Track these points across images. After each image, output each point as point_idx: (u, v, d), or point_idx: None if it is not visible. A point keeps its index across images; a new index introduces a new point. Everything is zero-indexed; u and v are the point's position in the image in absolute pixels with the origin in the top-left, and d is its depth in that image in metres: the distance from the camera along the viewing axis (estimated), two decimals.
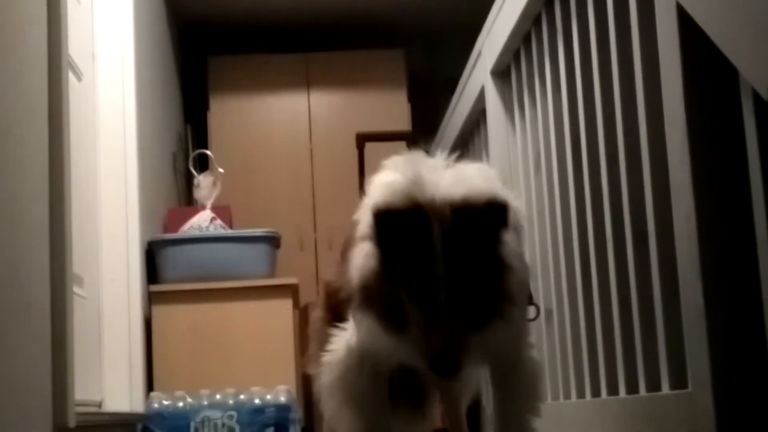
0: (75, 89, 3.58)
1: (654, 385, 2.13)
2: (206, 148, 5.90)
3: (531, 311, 1.97)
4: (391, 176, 1.76)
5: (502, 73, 3.54)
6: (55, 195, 2.73)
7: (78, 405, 3.42)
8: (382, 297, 1.66)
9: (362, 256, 1.71)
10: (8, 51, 2.43)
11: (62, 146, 2.76)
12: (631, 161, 2.26)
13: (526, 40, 3.20)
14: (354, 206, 2.07)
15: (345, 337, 1.93)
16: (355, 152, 5.42)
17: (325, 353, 1.97)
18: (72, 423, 2.71)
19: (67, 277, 2.75)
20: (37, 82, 2.68)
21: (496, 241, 1.65)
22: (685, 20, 1.83)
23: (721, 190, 1.81)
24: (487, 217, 1.63)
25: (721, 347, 1.77)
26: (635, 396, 2.24)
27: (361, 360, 1.90)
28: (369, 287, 1.68)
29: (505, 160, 3.58)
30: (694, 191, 1.82)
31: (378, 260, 1.66)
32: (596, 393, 2.58)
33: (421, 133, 6.08)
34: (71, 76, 3.50)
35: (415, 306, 1.61)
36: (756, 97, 1.61)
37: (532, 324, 2.04)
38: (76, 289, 3.55)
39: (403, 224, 1.62)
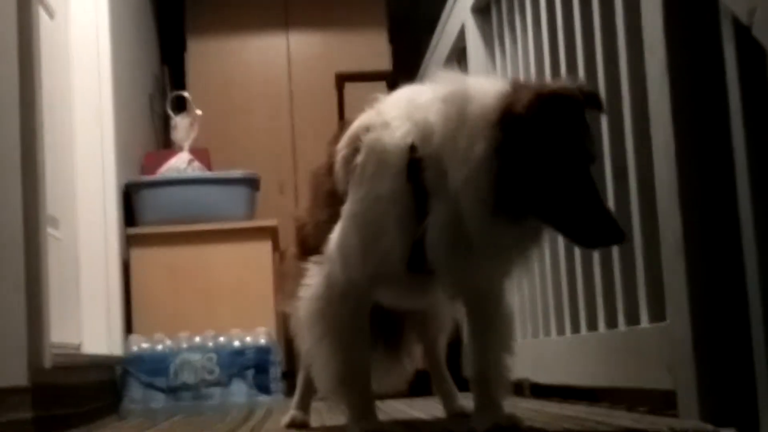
0: (47, 27, 3.51)
1: (633, 319, 2.14)
2: (184, 89, 5.81)
3: None
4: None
5: (482, 10, 3.50)
6: (26, 134, 2.68)
7: (56, 347, 3.40)
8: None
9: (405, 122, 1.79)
10: None
11: (33, 84, 2.71)
12: (611, 95, 2.24)
13: None
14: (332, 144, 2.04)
15: (324, 271, 1.90)
16: (335, 93, 5.37)
17: (301, 288, 1.95)
18: (48, 364, 2.69)
19: (40, 217, 2.71)
20: (5, 16, 2.62)
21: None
22: None
23: (700, 120, 1.79)
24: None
25: (699, 279, 1.77)
26: (614, 330, 2.25)
27: (342, 293, 1.87)
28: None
29: None
30: (672, 122, 1.81)
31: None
32: (576, 329, 2.59)
33: (401, 73, 6.02)
34: (42, 13, 3.42)
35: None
36: (736, 23, 1.59)
37: None
38: (51, 230, 3.51)
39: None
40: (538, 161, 1.62)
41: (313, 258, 1.94)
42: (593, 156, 1.71)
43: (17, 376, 2.57)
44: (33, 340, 2.64)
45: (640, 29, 1.96)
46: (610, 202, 2.27)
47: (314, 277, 1.92)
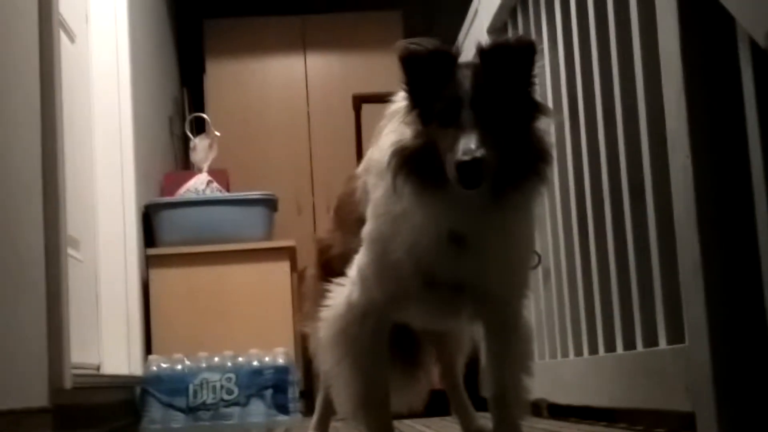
0: (68, 51, 3.54)
1: (651, 340, 2.13)
2: (203, 111, 5.86)
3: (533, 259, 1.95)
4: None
5: (498, 31, 3.51)
6: (47, 156, 2.71)
7: (76, 368, 3.42)
8: (417, 150, 1.63)
9: (392, 133, 1.71)
10: None
11: (54, 106, 2.74)
12: (628, 116, 2.24)
13: None
14: (352, 168, 2.07)
15: (344, 292, 1.91)
16: (352, 114, 5.39)
17: (322, 309, 1.96)
18: (68, 384, 2.71)
19: (61, 238, 2.74)
20: (27, 41, 2.65)
21: (525, 77, 1.62)
22: None
23: (717, 142, 1.79)
24: (515, 51, 1.61)
25: (718, 300, 1.76)
26: (632, 352, 2.24)
27: (363, 313, 1.88)
28: (404, 147, 1.65)
29: None
30: (690, 143, 1.81)
31: (410, 107, 1.66)
32: (594, 350, 2.58)
33: None
34: (64, 37, 3.46)
35: (446, 131, 1.57)
36: (753, 45, 1.59)
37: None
38: (72, 251, 3.54)
39: (430, 62, 1.62)
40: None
41: (335, 279, 1.95)
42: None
43: (38, 396, 2.59)
44: (54, 361, 2.66)
45: (656, 51, 1.96)
46: (627, 221, 2.27)
47: (335, 297, 1.93)
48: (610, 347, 2.43)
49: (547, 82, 2.93)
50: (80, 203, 3.75)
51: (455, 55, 1.64)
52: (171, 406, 3.91)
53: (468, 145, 1.51)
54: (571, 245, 2.77)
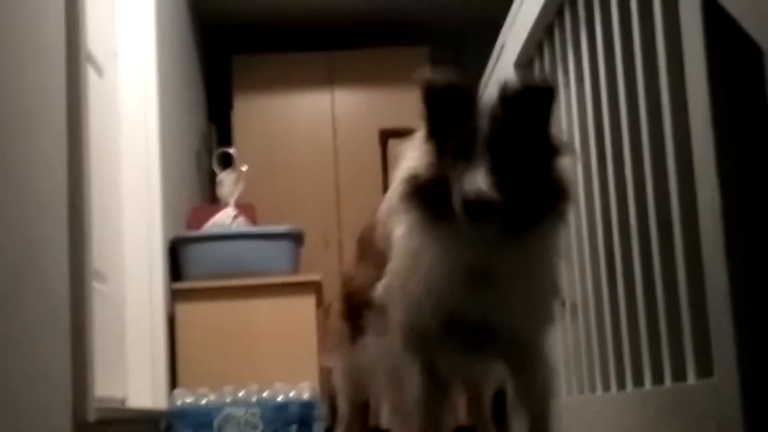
0: (96, 85, 3.57)
1: (679, 374, 2.10)
2: (230, 146, 5.88)
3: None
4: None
5: (525, 66, 3.51)
6: (74, 189, 2.72)
7: (101, 401, 3.41)
8: (429, 181, 1.64)
9: (407, 165, 1.72)
10: (25, 42, 2.42)
11: (81, 140, 2.76)
12: (655, 150, 2.22)
13: (549, 32, 3.16)
14: (379, 203, 2.07)
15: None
16: (379, 149, 5.39)
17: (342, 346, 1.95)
18: (92, 418, 2.70)
19: (86, 271, 2.74)
20: (54, 74, 2.67)
21: (543, 119, 1.63)
22: (708, 4, 1.79)
23: (745, 176, 1.77)
24: (534, 93, 1.63)
25: (747, 334, 1.73)
26: (660, 387, 2.21)
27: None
28: (416, 177, 1.66)
29: None
30: (718, 177, 1.79)
31: (426, 138, 1.68)
32: (621, 385, 2.55)
33: None
34: (92, 72, 3.49)
35: (457, 164, 1.59)
36: None
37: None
38: (98, 285, 3.55)
39: (449, 95, 1.66)
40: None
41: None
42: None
43: (62, 429, 2.58)
44: (77, 394, 2.66)
45: (684, 84, 1.95)
46: (654, 256, 2.25)
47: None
48: (638, 381, 2.41)
49: (573, 116, 2.92)
50: (107, 236, 3.76)
51: (473, 92, 1.66)
52: None
53: (475, 178, 1.52)
54: (599, 280, 2.74)
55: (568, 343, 3.07)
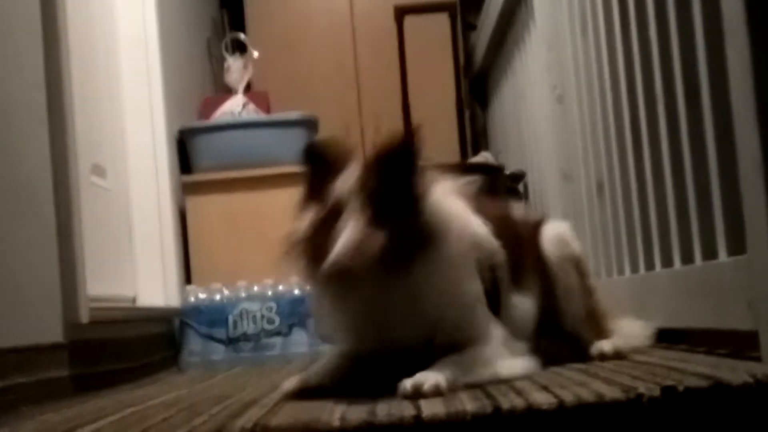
0: None
1: (710, 253, 1.95)
2: (243, 32, 5.63)
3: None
4: None
5: None
6: (51, 77, 2.54)
7: (111, 300, 3.29)
8: (307, 237, 1.76)
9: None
10: None
11: (55, 21, 2.55)
12: (681, 8, 2.02)
13: None
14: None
15: None
16: (395, 27, 5.14)
17: None
18: (85, 318, 2.56)
19: (70, 163, 2.57)
20: None
21: (407, 176, 1.71)
22: None
23: None
24: (398, 152, 1.71)
25: None
26: (690, 266, 2.06)
27: None
28: (296, 234, 1.80)
29: (552, 24, 3.47)
30: (748, 31, 1.59)
31: (306, 197, 1.82)
32: (650, 266, 2.39)
33: (466, 4, 5.75)
34: None
35: (331, 219, 1.69)
36: None
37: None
38: (97, 180, 3.38)
39: (328, 157, 1.79)
40: None
41: None
42: None
43: (52, 332, 2.45)
44: (67, 293, 2.52)
45: None
46: (682, 126, 2.07)
47: None
48: (667, 262, 2.24)
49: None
50: (106, 130, 3.59)
51: (349, 153, 1.77)
52: (211, 337, 3.76)
53: (337, 245, 1.61)
54: (625, 155, 2.59)
55: (595, 223, 2.92)
